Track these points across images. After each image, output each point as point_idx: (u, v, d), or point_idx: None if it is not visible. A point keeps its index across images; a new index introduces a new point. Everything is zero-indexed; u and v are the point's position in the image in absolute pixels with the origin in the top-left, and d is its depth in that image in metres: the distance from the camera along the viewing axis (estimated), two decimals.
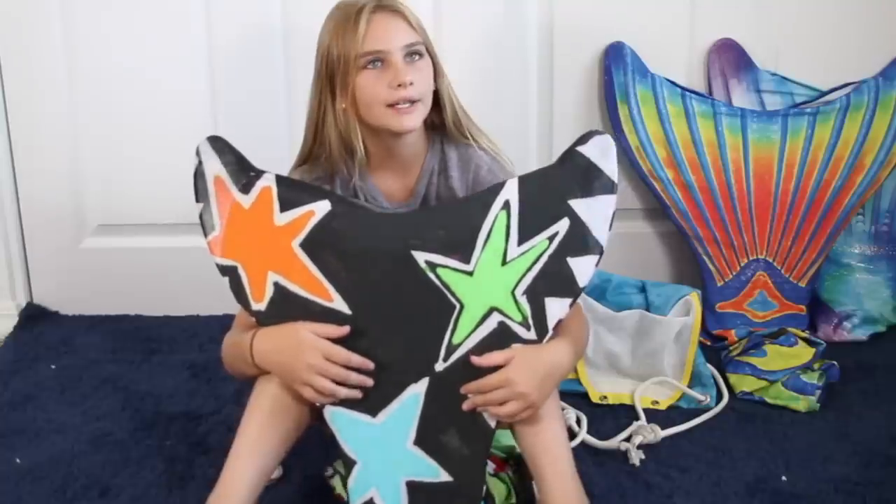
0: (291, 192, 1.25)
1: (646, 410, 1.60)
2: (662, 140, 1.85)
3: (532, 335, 1.24)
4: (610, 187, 1.24)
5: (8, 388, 1.73)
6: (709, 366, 1.71)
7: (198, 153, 1.27)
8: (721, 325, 1.89)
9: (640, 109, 1.84)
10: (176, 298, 2.00)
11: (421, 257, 1.23)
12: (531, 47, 1.88)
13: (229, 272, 1.27)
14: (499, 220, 1.23)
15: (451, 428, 1.24)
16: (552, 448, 1.28)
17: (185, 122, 1.91)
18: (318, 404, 1.26)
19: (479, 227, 1.23)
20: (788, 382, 1.65)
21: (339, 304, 1.23)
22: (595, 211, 1.24)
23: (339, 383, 1.24)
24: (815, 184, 1.85)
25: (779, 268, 1.88)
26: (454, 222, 1.25)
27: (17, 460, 1.50)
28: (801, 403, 1.62)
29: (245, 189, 1.25)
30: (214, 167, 1.26)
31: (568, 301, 1.24)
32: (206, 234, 1.29)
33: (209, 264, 1.97)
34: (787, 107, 1.88)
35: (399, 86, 1.31)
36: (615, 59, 1.85)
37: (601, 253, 1.25)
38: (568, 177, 1.24)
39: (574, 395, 1.65)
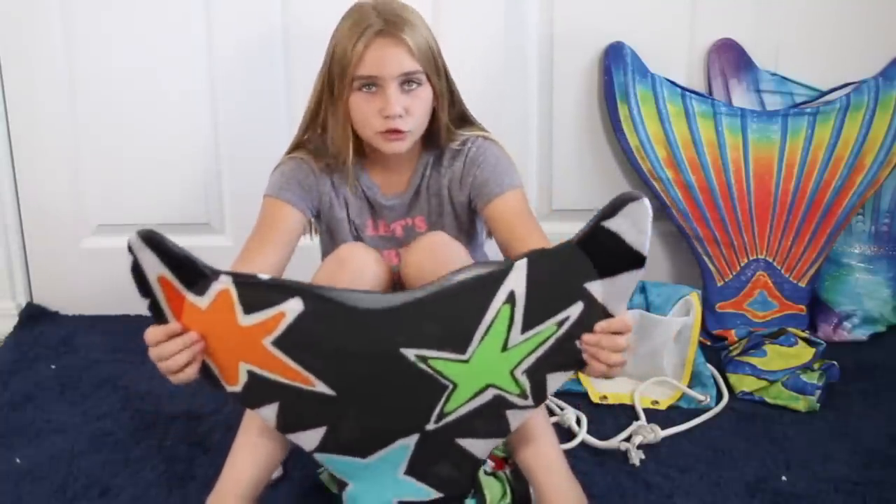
0: (255, 295, 1.08)
1: (646, 410, 1.60)
2: (662, 140, 1.85)
3: (529, 403, 1.16)
4: (638, 262, 1.08)
5: (8, 388, 1.73)
6: (709, 366, 1.71)
7: (130, 249, 1.08)
8: (721, 325, 1.89)
9: (640, 109, 1.85)
10: None
11: (411, 352, 1.10)
12: (531, 47, 1.88)
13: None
14: (501, 313, 1.08)
15: (442, 461, 1.20)
16: (543, 451, 1.28)
17: (185, 122, 1.91)
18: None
19: (478, 323, 1.09)
20: (788, 382, 1.65)
21: (321, 387, 1.12)
22: (616, 288, 1.09)
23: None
24: (815, 184, 1.85)
25: (779, 268, 1.88)
26: (449, 318, 1.09)
27: (17, 460, 1.50)
28: (801, 403, 1.62)
29: (198, 291, 1.09)
30: (155, 267, 1.08)
31: (570, 372, 1.15)
32: (159, 324, 1.12)
33: (209, 264, 1.98)
34: (787, 107, 1.88)
35: (387, 116, 1.32)
36: (615, 59, 1.85)
37: None
38: (588, 257, 1.08)
39: (574, 395, 1.65)
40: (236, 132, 1.92)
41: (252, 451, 1.26)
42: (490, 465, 1.39)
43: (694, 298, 1.69)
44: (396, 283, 1.37)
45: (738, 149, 1.85)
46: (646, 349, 1.66)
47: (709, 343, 1.85)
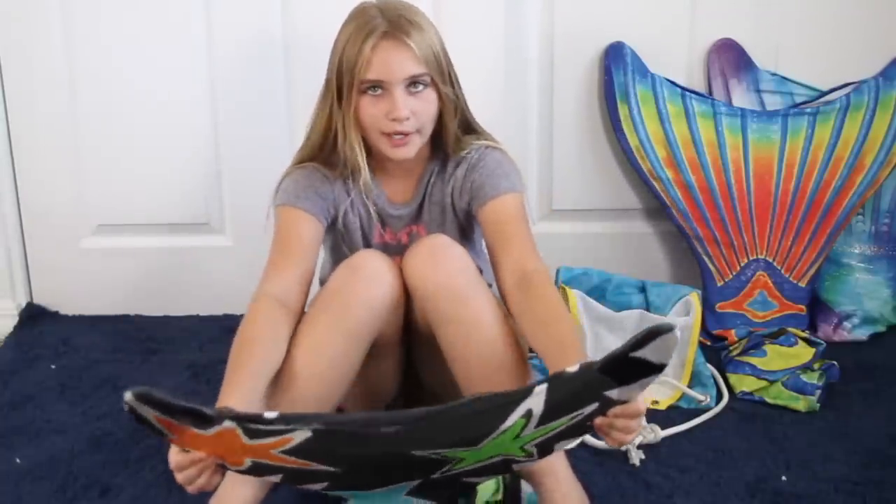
0: (261, 430, 1.03)
1: (646, 410, 1.60)
2: (662, 140, 1.85)
3: (534, 459, 1.15)
4: (658, 371, 1.05)
5: (8, 388, 1.73)
6: (709, 366, 1.71)
7: (127, 404, 1.00)
8: (721, 325, 1.88)
9: (640, 109, 1.84)
10: (176, 298, 2.00)
11: (423, 453, 1.07)
12: (531, 47, 1.88)
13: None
14: (516, 424, 1.05)
15: (443, 489, 1.19)
16: None
17: (185, 122, 1.91)
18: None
19: (492, 432, 1.05)
20: (788, 382, 1.65)
21: (327, 468, 1.09)
22: (632, 389, 1.07)
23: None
24: (815, 184, 1.85)
25: (779, 268, 1.88)
26: (463, 433, 1.06)
27: (17, 460, 1.50)
28: (801, 403, 1.62)
29: (202, 428, 1.04)
30: (154, 415, 1.02)
31: (577, 440, 1.14)
32: (159, 437, 1.08)
33: (209, 264, 1.99)
34: (787, 107, 1.88)
35: (394, 119, 1.32)
36: (615, 59, 1.85)
37: None
38: (610, 379, 1.05)
39: None
40: (236, 132, 1.92)
41: None
42: None
43: (694, 298, 1.69)
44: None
45: (738, 149, 1.85)
46: None
47: (709, 343, 1.85)
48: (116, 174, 1.94)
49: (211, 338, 1.87)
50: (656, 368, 1.03)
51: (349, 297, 1.30)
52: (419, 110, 1.34)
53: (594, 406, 1.07)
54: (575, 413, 1.07)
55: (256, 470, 1.10)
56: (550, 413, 1.05)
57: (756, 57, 1.88)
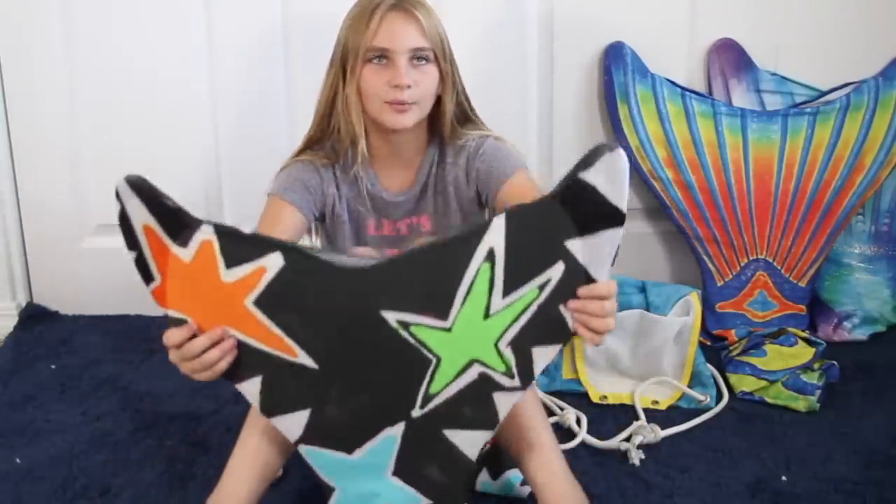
0: (236, 247, 1.07)
1: (646, 410, 1.60)
2: (662, 140, 1.85)
3: (516, 383, 1.12)
4: (616, 219, 1.04)
5: (8, 388, 1.73)
6: (709, 366, 1.71)
7: (118, 196, 1.12)
8: (721, 325, 1.89)
9: (640, 109, 1.85)
10: None
11: (392, 316, 1.08)
12: (531, 47, 1.88)
13: (181, 324, 1.13)
14: (481, 273, 1.06)
15: (431, 464, 1.17)
16: (546, 457, 1.27)
17: (185, 122, 1.91)
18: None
19: (459, 282, 1.06)
20: (788, 382, 1.65)
21: (304, 359, 1.11)
22: (596, 250, 1.06)
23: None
24: (815, 184, 1.85)
25: (779, 268, 1.88)
26: (429, 277, 1.07)
27: (17, 460, 1.50)
28: (801, 403, 1.62)
29: (182, 242, 1.08)
30: (141, 215, 1.10)
31: (557, 347, 1.12)
32: (146, 283, 1.13)
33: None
34: (787, 107, 1.88)
35: (396, 86, 1.34)
36: (615, 59, 1.85)
37: None
38: (566, 212, 1.05)
39: (574, 395, 1.65)
40: (236, 132, 1.92)
41: (253, 458, 1.26)
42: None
43: (694, 298, 1.69)
44: None
45: (738, 149, 1.85)
46: (646, 349, 1.66)
47: (709, 343, 1.85)
48: (116, 174, 1.92)
49: None
50: (613, 213, 1.04)
51: None
52: (420, 82, 1.37)
53: (560, 270, 1.07)
54: (541, 279, 1.07)
55: (235, 360, 1.12)
56: (514, 263, 1.06)
57: (756, 57, 1.88)
